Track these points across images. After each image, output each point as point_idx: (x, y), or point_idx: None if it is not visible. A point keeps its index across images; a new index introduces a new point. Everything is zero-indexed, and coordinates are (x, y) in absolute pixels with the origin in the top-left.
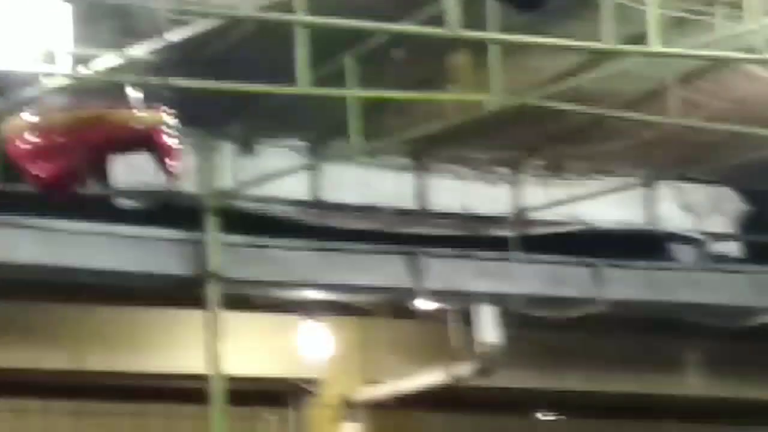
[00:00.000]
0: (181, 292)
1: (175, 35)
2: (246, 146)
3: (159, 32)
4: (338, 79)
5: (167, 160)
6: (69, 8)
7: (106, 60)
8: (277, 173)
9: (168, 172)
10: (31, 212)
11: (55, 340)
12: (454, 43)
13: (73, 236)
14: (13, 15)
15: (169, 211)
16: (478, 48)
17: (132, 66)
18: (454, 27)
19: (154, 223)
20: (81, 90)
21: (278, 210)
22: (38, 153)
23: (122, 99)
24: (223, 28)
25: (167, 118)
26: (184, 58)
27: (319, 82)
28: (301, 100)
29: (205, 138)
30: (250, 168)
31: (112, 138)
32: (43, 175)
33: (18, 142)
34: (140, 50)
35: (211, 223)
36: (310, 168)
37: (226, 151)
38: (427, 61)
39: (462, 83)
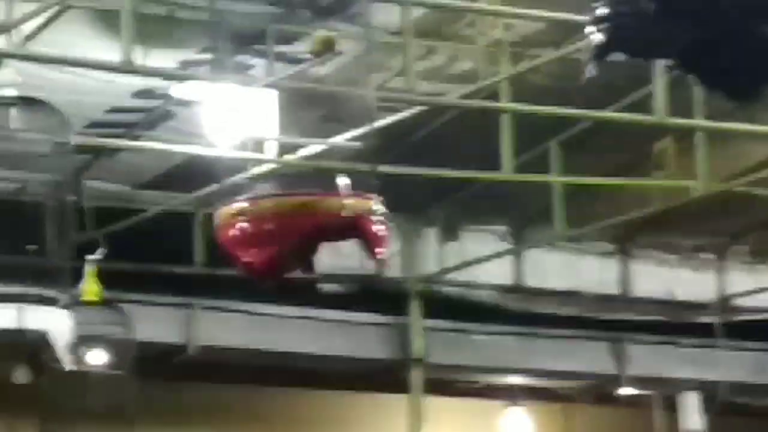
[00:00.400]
0: (384, 377)
1: (380, 122)
2: (450, 232)
3: (364, 119)
4: (542, 165)
5: (376, 248)
6: (275, 95)
7: (312, 147)
8: (480, 258)
9: (376, 260)
10: (237, 297)
11: (262, 422)
12: (660, 129)
13: (280, 320)
14: (221, 103)
15: (373, 295)
16: (684, 133)
17: (338, 153)
18: (660, 114)
19: (358, 307)
20: (288, 177)
21: (481, 295)
22: (248, 240)
23: (330, 186)
24: (427, 114)
25: (376, 205)
26: (389, 144)
27: (523, 167)
28: (504, 185)
29: (408, 223)
30: (454, 253)
31: (321, 226)
32: (252, 261)
33: (229, 229)
34: (346, 137)
35: (414, 307)
36: (513, 253)
37: (430, 236)
38: (631, 147)
39: (667, 169)
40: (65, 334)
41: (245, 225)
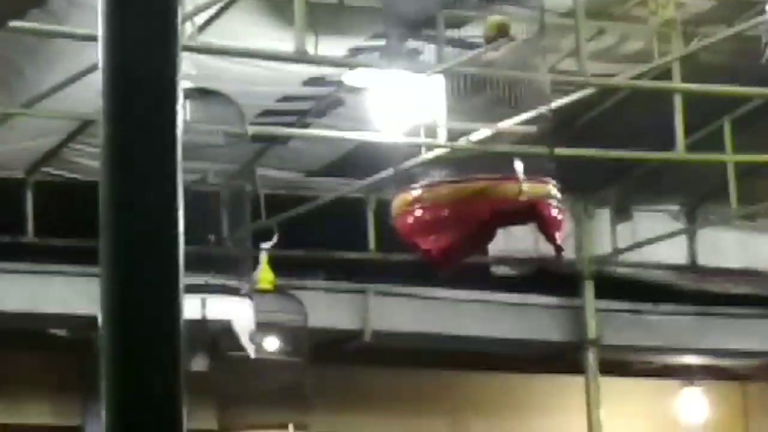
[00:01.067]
0: (559, 358)
1: (552, 105)
2: (622, 212)
3: (537, 102)
4: (715, 142)
5: (554, 232)
6: (445, 81)
7: (483, 131)
8: (653, 238)
9: (555, 245)
10: (410, 282)
11: (438, 406)
12: None
13: (453, 304)
14: (391, 89)
15: (546, 278)
16: None
17: (511, 136)
18: None
19: (531, 290)
20: (462, 162)
21: (655, 275)
22: (426, 227)
23: (506, 170)
24: (598, 95)
25: (553, 189)
26: (560, 126)
27: (695, 145)
28: (677, 164)
29: (582, 205)
30: (627, 234)
31: (498, 211)
32: (430, 248)
33: (406, 217)
34: (519, 120)
35: (588, 289)
36: (687, 232)
37: (603, 217)
38: None
39: None
40: (247, 322)
41: (422, 212)
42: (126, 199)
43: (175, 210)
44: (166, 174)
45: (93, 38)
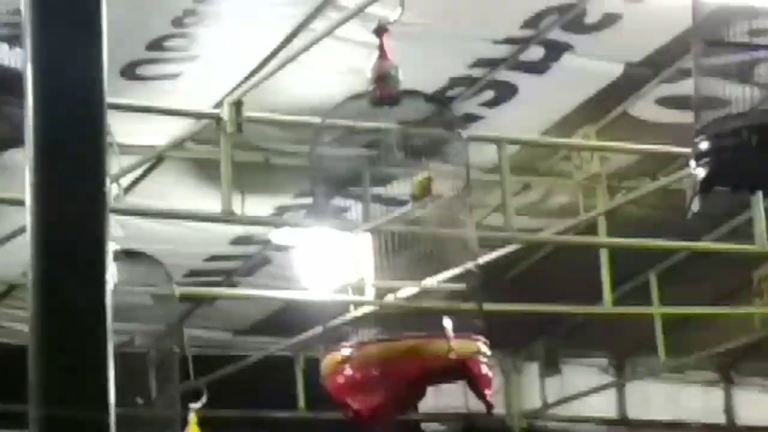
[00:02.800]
0: None
1: (479, 260)
2: (551, 366)
3: (464, 258)
4: (641, 295)
5: (484, 390)
6: (370, 239)
7: (411, 289)
8: (583, 392)
9: (485, 402)
10: None
11: None
12: (759, 256)
13: None
14: (318, 247)
15: None
16: None
17: (438, 293)
18: (761, 241)
19: None
20: (391, 319)
21: (585, 429)
22: (356, 387)
23: (434, 327)
24: (525, 249)
25: (482, 346)
26: (488, 282)
27: (622, 298)
28: (605, 318)
29: (510, 359)
30: (556, 388)
31: (428, 369)
32: (360, 407)
33: (335, 377)
34: (446, 277)
35: None
36: (616, 386)
37: (532, 371)
38: (731, 274)
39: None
40: None
41: (352, 372)
42: (56, 370)
43: (107, 381)
44: (97, 342)
45: (19, 203)
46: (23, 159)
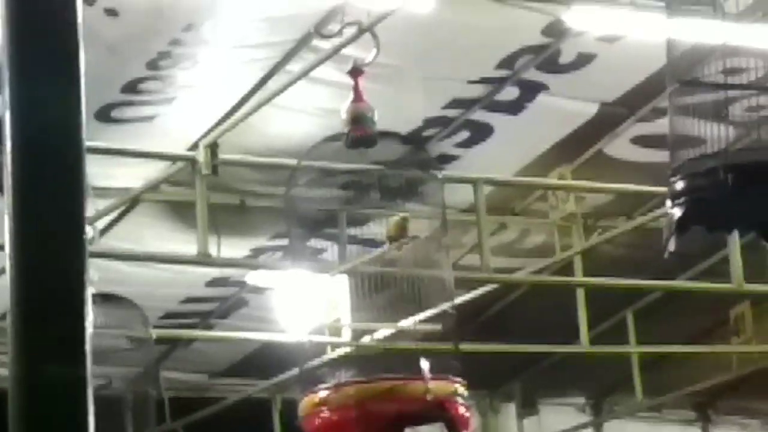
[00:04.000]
0: None
1: (456, 301)
2: (528, 406)
3: (440, 299)
4: (618, 334)
5: (461, 431)
6: (348, 279)
7: (387, 330)
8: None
9: None
10: None
11: None
12: (736, 295)
13: None
14: (294, 288)
15: None
16: (761, 298)
17: (414, 334)
18: (738, 280)
19: None
20: (367, 360)
21: None
22: (332, 428)
23: (411, 369)
24: (502, 289)
25: (459, 387)
26: (464, 322)
27: (599, 337)
28: (581, 357)
29: (487, 400)
30: (533, 428)
31: (405, 411)
32: None
33: (313, 419)
34: (422, 317)
35: None
36: (594, 425)
37: (509, 411)
38: (708, 312)
39: (744, 334)
40: None
41: (329, 413)
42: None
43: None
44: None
45: None
46: None
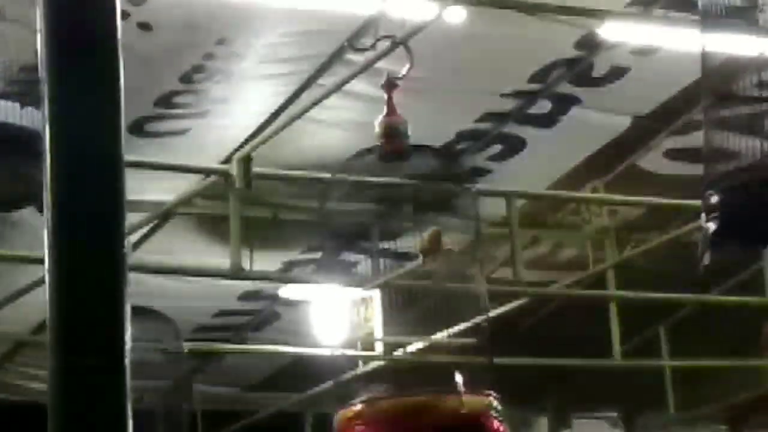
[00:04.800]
0: None
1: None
2: (561, 420)
3: (474, 312)
4: (651, 348)
5: None
6: (378, 294)
7: (419, 343)
8: None
9: None
10: None
11: None
12: None
13: None
14: (327, 302)
15: None
16: None
17: (448, 348)
18: None
19: None
20: (400, 375)
21: None
22: None
23: (445, 383)
24: (535, 303)
25: (494, 401)
26: (497, 336)
27: (632, 351)
28: (614, 371)
29: (520, 414)
30: None
31: (440, 425)
32: None
33: None
34: (456, 331)
35: None
36: None
37: (542, 425)
38: (741, 326)
39: None
40: None
41: (364, 428)
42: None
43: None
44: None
45: (29, 260)
46: (30, 216)
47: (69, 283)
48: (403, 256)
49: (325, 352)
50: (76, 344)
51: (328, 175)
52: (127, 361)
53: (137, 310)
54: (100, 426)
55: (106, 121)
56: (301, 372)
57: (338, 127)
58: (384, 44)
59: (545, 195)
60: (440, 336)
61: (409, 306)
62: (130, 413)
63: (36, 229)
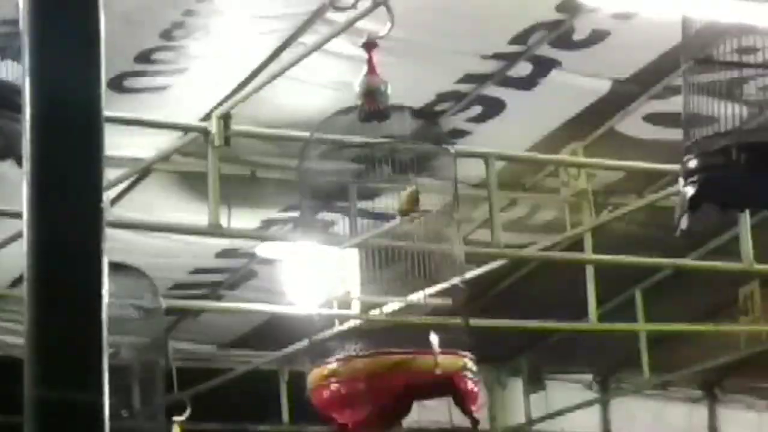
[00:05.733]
0: None
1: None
2: (535, 382)
3: (450, 273)
4: (627, 311)
5: (470, 406)
6: (356, 253)
7: (396, 303)
8: (567, 408)
9: (471, 417)
10: None
11: None
12: (745, 274)
13: None
14: (304, 260)
15: None
16: None
17: (424, 308)
18: (747, 259)
19: None
20: (375, 334)
21: None
22: (341, 401)
23: (420, 343)
24: (511, 265)
25: (468, 362)
26: (473, 297)
27: (607, 314)
28: (589, 334)
29: (495, 374)
30: (540, 403)
31: (414, 384)
32: (346, 421)
33: (322, 391)
34: (432, 292)
35: None
36: (600, 402)
37: (516, 386)
38: (716, 291)
39: (753, 313)
40: None
41: (338, 386)
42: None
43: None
44: (93, 351)
45: (7, 214)
46: (7, 170)
47: (48, 237)
48: (381, 216)
49: (301, 310)
50: (55, 299)
51: (307, 134)
52: (104, 315)
53: (114, 266)
54: (76, 379)
55: (87, 75)
56: (277, 330)
57: (318, 86)
58: (365, 4)
59: (524, 157)
60: (417, 296)
61: (386, 266)
62: (106, 366)
63: (13, 182)
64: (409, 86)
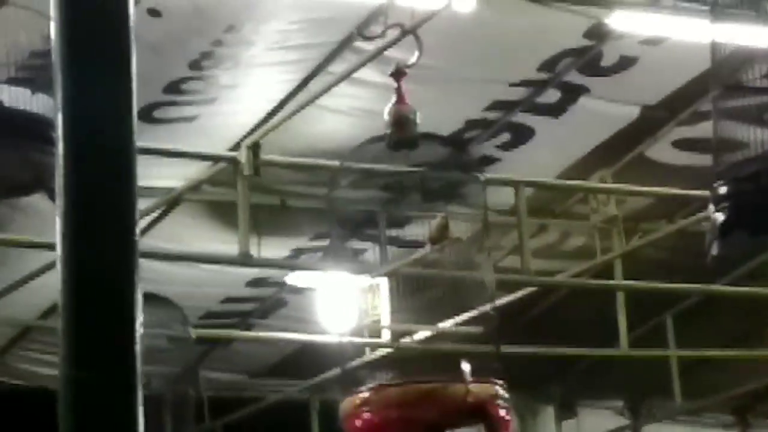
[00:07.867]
0: None
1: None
2: (567, 408)
3: (481, 301)
4: (658, 337)
5: None
6: (386, 282)
7: (426, 331)
8: None
9: None
10: None
11: None
12: None
13: None
14: (334, 289)
15: None
16: None
17: (455, 336)
18: None
19: None
20: (406, 362)
21: None
22: (373, 429)
23: (452, 371)
24: (542, 291)
25: (500, 389)
26: (504, 324)
27: (638, 340)
28: (620, 360)
29: (526, 402)
30: (572, 430)
31: (446, 413)
32: None
33: (354, 420)
34: (463, 319)
35: None
36: (632, 429)
37: (548, 414)
38: (747, 316)
39: None
40: None
41: (371, 415)
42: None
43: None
44: (126, 384)
45: (38, 245)
46: (38, 201)
47: (81, 269)
48: (411, 244)
49: (331, 339)
50: (90, 332)
51: (336, 163)
52: (138, 346)
53: (145, 297)
54: (110, 411)
55: (119, 107)
56: (307, 359)
57: (347, 114)
58: (393, 32)
59: (553, 184)
60: (447, 324)
61: (416, 294)
62: (140, 397)
63: (44, 214)
64: (438, 114)
